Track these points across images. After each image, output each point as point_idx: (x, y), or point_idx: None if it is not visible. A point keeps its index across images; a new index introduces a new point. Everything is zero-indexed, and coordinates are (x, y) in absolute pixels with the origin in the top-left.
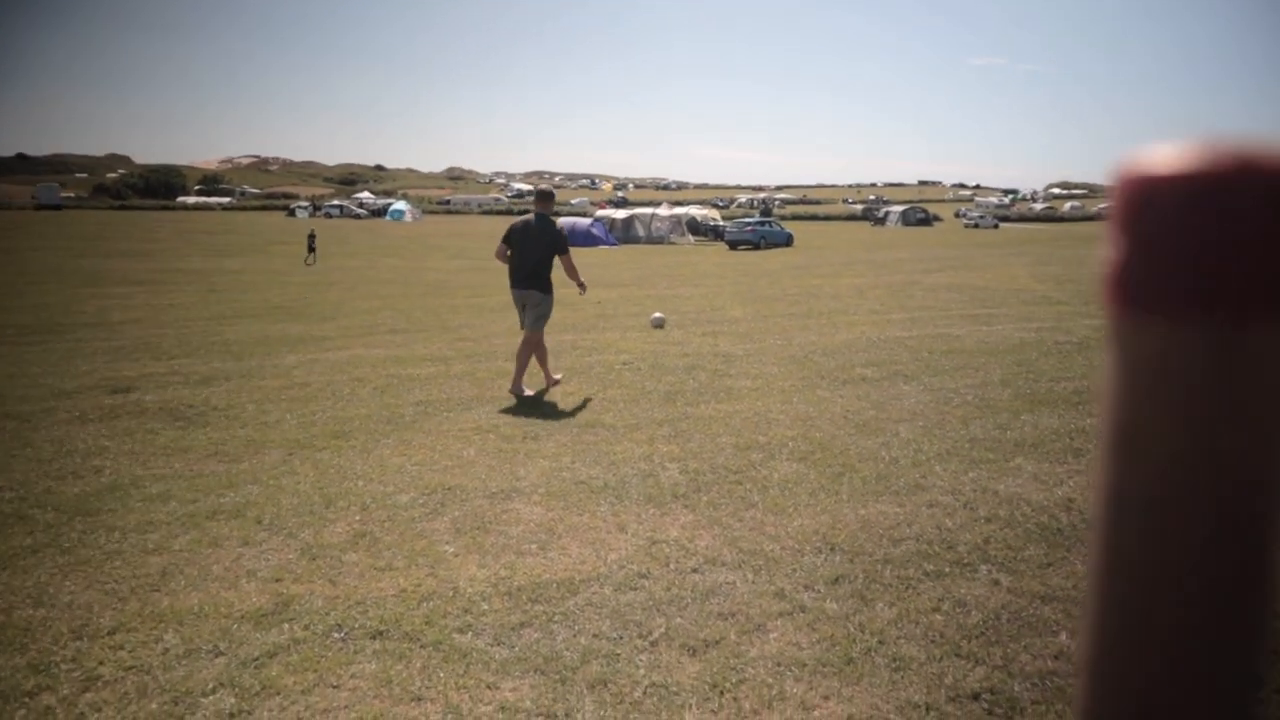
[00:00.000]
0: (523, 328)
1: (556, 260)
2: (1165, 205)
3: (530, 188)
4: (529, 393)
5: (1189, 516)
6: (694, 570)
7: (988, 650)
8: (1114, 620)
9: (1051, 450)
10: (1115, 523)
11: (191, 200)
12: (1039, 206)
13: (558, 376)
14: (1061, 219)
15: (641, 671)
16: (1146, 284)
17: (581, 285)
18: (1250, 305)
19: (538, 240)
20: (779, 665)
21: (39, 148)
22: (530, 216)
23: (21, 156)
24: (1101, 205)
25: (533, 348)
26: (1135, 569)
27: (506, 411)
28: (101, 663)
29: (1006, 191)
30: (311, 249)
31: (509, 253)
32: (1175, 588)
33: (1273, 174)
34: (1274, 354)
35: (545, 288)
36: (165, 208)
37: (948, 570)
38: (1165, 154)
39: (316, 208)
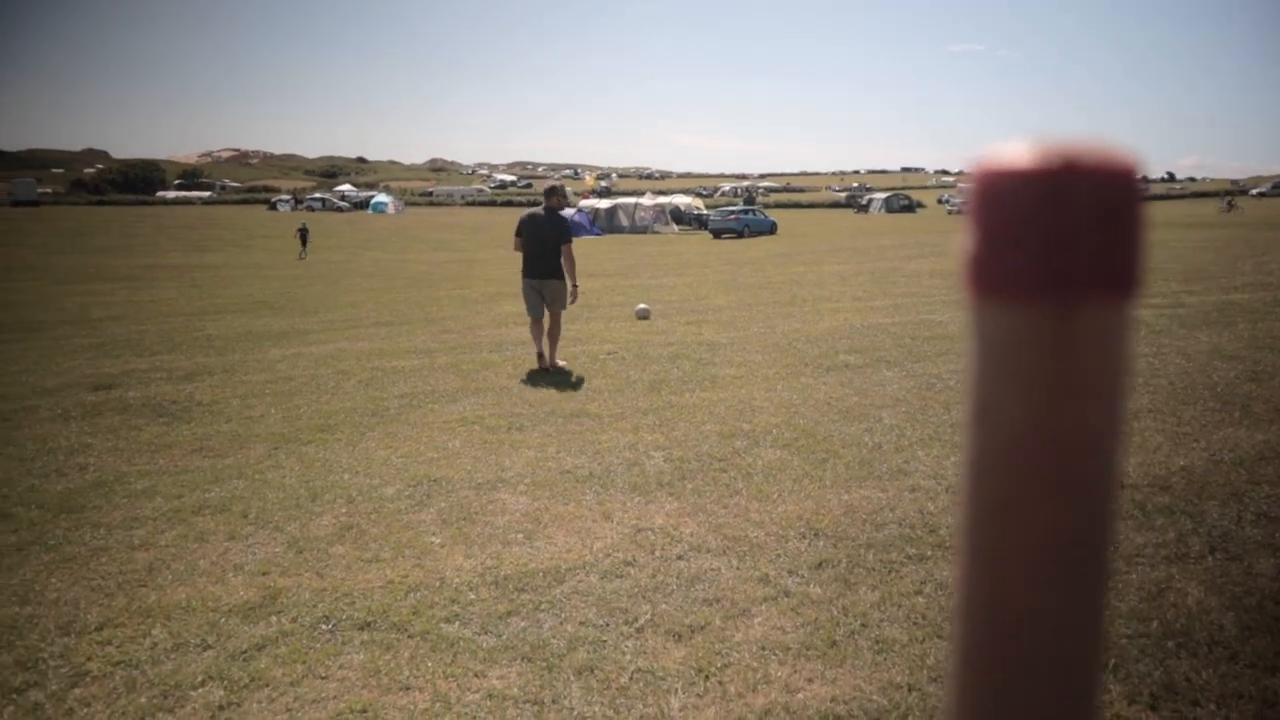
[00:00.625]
0: (535, 315)
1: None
2: (1008, 198)
3: (513, 178)
4: (562, 363)
5: (1036, 477)
6: (679, 557)
7: None
8: (975, 568)
9: None
10: (974, 485)
11: (171, 195)
12: None
13: (562, 363)
14: None
15: (628, 658)
16: (994, 270)
17: (575, 287)
18: (1082, 288)
19: (548, 232)
20: (763, 649)
21: (14, 143)
22: (540, 209)
23: None
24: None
25: (559, 328)
26: (992, 528)
27: (491, 403)
28: (90, 658)
29: None
30: (304, 243)
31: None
32: (1026, 544)
33: (1096, 171)
34: (1105, 330)
35: (561, 276)
36: (144, 203)
37: (930, 553)
38: (1008, 151)
39: (298, 201)
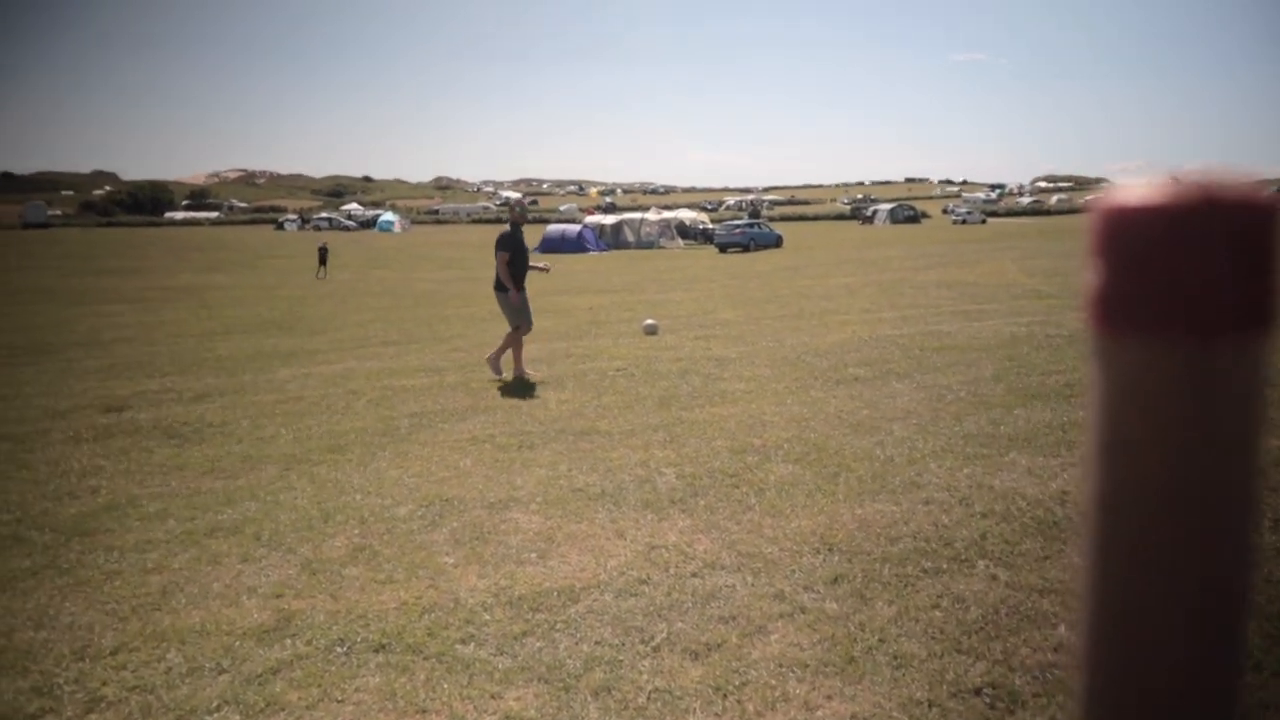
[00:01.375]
0: (529, 325)
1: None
2: (1139, 234)
3: (518, 195)
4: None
5: (1168, 517)
6: (693, 574)
7: (988, 645)
8: (1105, 617)
9: (1045, 444)
10: (1102, 526)
11: (179, 216)
12: (1026, 200)
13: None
14: (1049, 212)
15: (644, 677)
16: (1123, 306)
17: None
18: (1214, 325)
19: (525, 246)
20: (781, 666)
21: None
22: (509, 228)
23: (7, 175)
24: (1089, 197)
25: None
26: (1122, 569)
27: (501, 421)
28: (105, 683)
29: (993, 186)
30: (323, 262)
31: (508, 260)
32: (1159, 585)
33: (1231, 206)
34: (1237, 368)
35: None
36: (153, 224)
37: (946, 567)
38: (1139, 187)
39: (305, 220)
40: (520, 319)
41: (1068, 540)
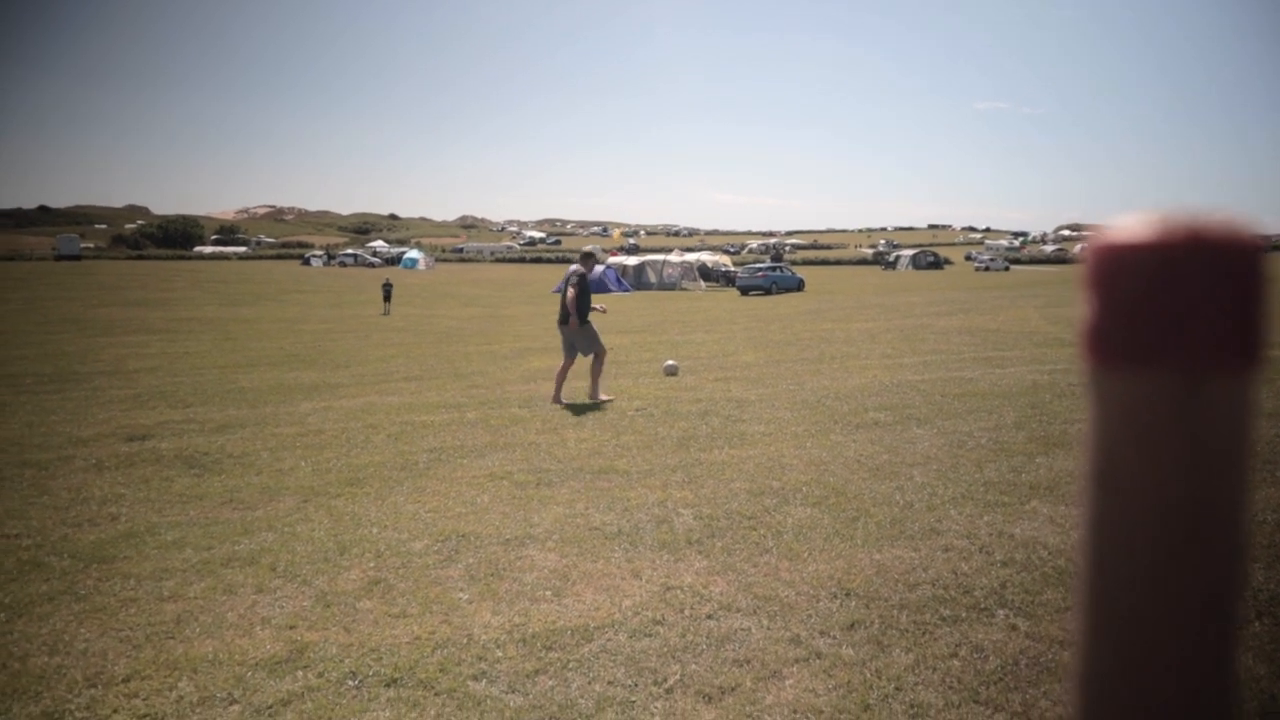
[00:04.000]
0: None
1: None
2: (1131, 271)
3: (543, 235)
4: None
5: (1159, 542)
6: (709, 617)
7: (1006, 696)
8: (1100, 637)
9: (1067, 493)
10: (1095, 549)
11: (208, 250)
12: (1049, 248)
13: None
14: (1072, 260)
15: (657, 719)
16: (1116, 340)
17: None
18: (1205, 358)
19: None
20: (796, 712)
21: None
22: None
23: (43, 208)
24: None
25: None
26: (1115, 592)
27: (520, 458)
28: (116, 711)
29: (1016, 234)
30: (387, 299)
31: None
32: (1151, 608)
33: (1220, 244)
34: (1228, 400)
35: None
36: (182, 257)
37: (964, 615)
38: (1131, 225)
39: (331, 256)
40: (597, 346)
41: None
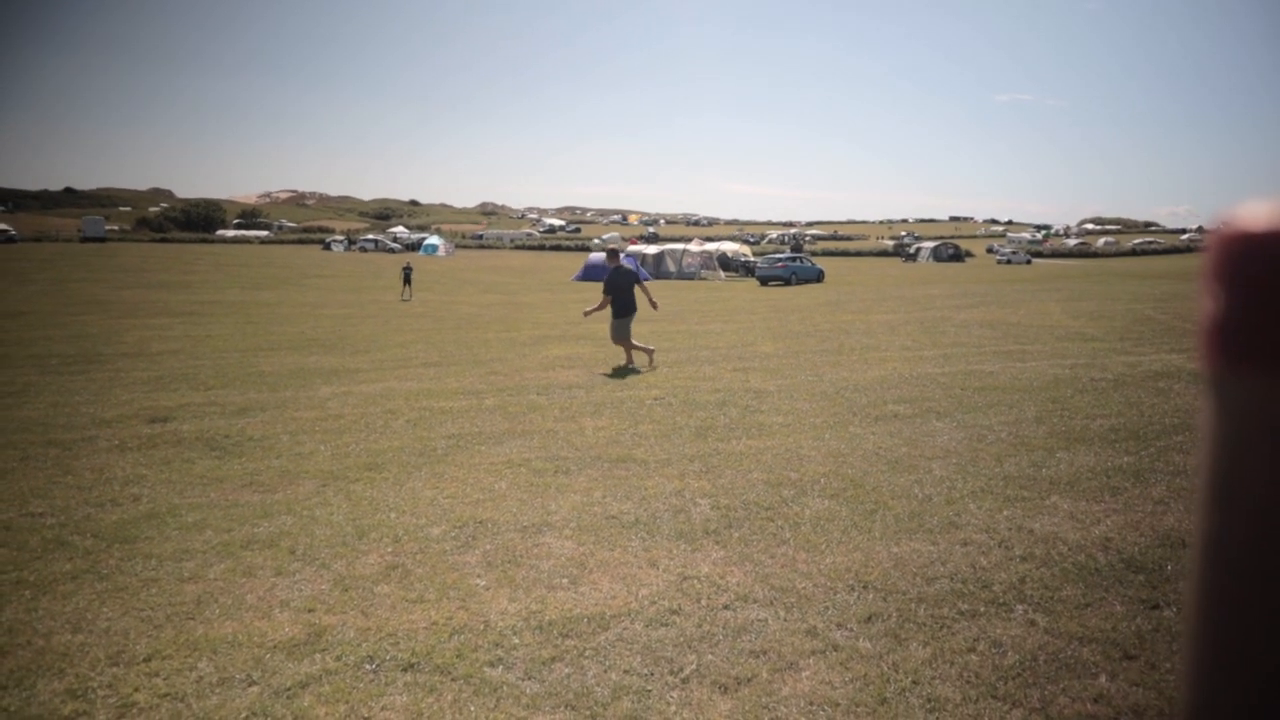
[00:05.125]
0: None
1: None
2: (1263, 261)
3: (562, 223)
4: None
5: None
6: (725, 607)
7: (1025, 692)
8: (1220, 672)
9: (1088, 488)
10: (1215, 574)
11: (230, 233)
12: (1072, 242)
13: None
14: (1095, 254)
15: (673, 709)
16: (1245, 337)
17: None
18: None
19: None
20: (811, 704)
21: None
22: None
23: (69, 190)
24: (1137, 241)
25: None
26: (1231, 616)
27: (538, 446)
28: (137, 689)
29: (1039, 227)
30: (407, 282)
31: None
32: (1271, 633)
33: None
34: None
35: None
36: (205, 240)
37: (983, 610)
38: (1262, 212)
39: (351, 241)
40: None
41: (1110, 587)
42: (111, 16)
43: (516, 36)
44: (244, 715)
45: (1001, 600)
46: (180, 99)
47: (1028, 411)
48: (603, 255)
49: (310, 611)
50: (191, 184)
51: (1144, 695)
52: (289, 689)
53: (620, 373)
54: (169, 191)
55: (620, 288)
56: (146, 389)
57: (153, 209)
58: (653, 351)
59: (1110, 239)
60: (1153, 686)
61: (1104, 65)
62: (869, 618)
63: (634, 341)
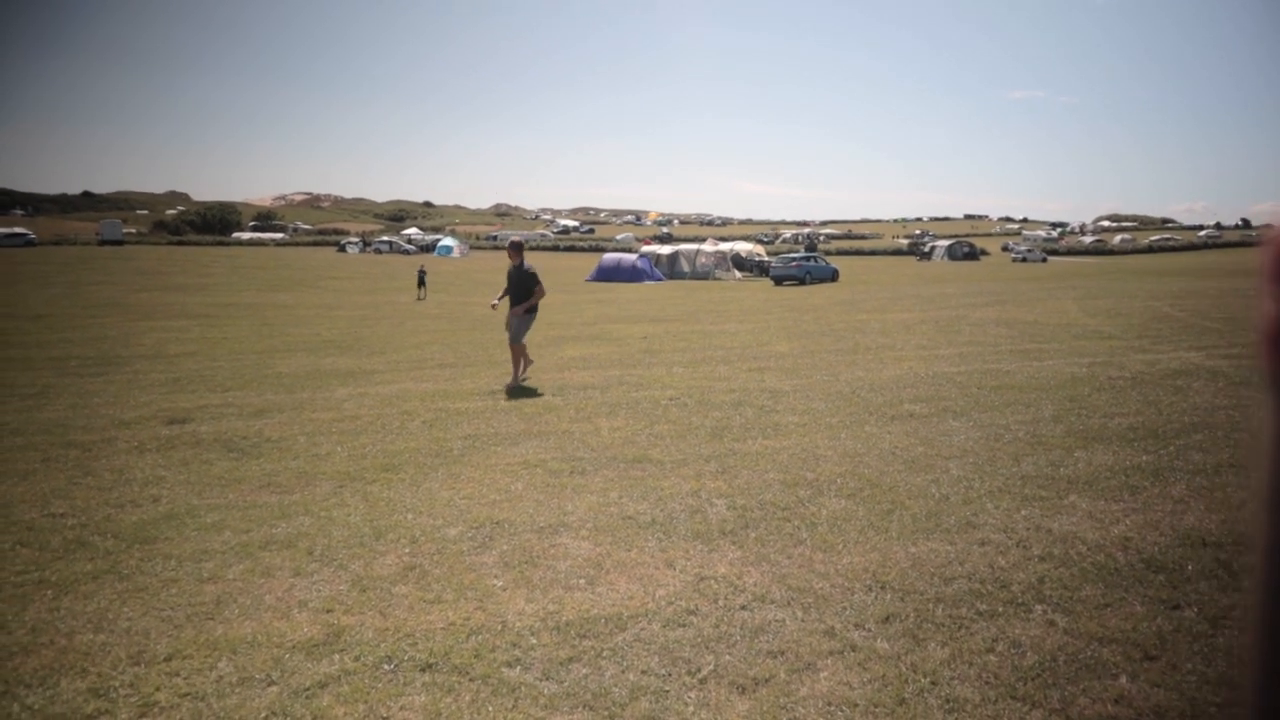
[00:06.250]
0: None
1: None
2: None
3: (576, 224)
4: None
5: None
6: (742, 607)
7: (1044, 693)
8: (1276, 668)
9: (1107, 488)
10: (1275, 572)
11: (246, 236)
12: (1088, 239)
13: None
14: (1112, 252)
15: (690, 709)
16: None
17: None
18: None
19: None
20: (830, 705)
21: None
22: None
23: (87, 194)
24: (1154, 238)
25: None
26: None
27: (554, 446)
28: (158, 689)
29: (1055, 224)
30: (421, 284)
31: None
32: None
33: None
34: None
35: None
36: (221, 243)
37: (1001, 610)
38: None
39: (366, 243)
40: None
41: (1130, 588)
42: (127, 23)
43: (530, 38)
44: (263, 715)
45: (1020, 600)
46: (196, 103)
47: (1045, 410)
48: (617, 256)
49: (329, 612)
50: (207, 187)
51: (1166, 696)
52: (308, 689)
53: (637, 375)
54: (185, 195)
55: (517, 283)
56: (164, 391)
57: (169, 212)
58: (529, 364)
59: (1127, 236)
60: (1174, 688)
61: (1116, 61)
62: (887, 618)
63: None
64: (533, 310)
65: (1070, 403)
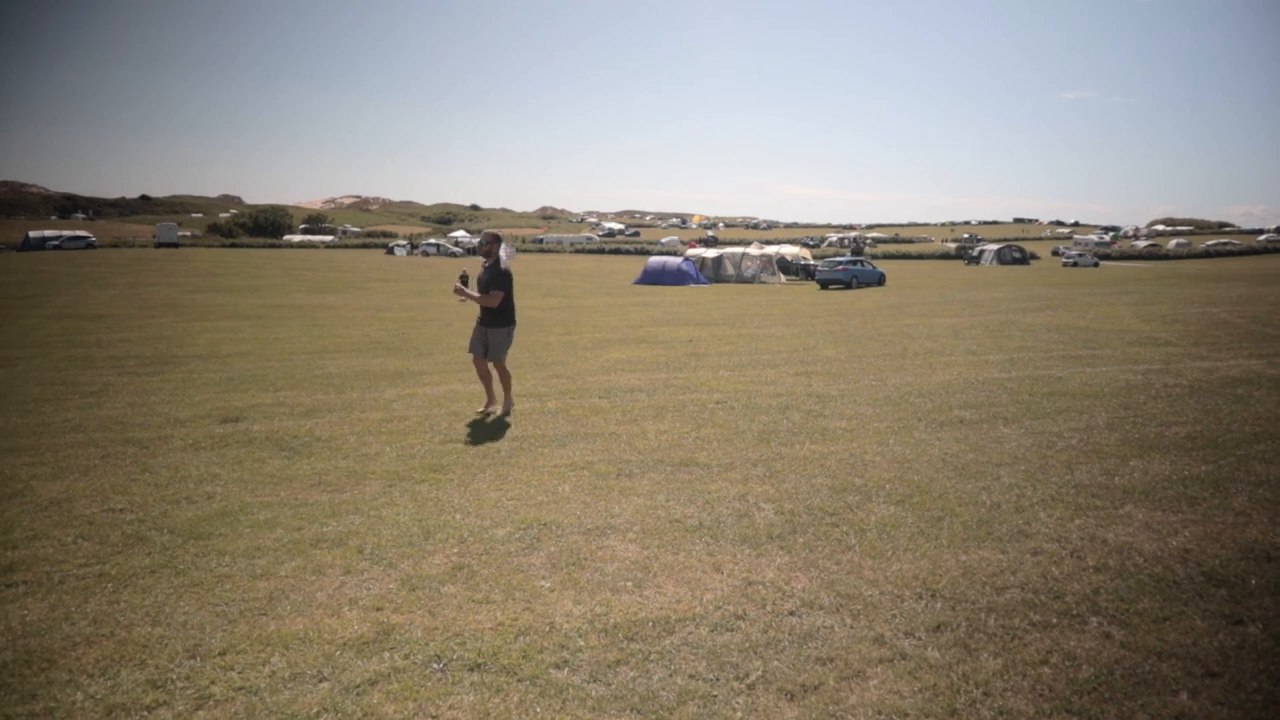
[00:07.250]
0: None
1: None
2: None
3: (621, 226)
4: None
5: None
6: (791, 613)
7: (1101, 707)
8: None
9: (1164, 498)
10: None
11: (296, 238)
12: (1142, 244)
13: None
14: (1166, 256)
15: (739, 715)
16: None
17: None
18: None
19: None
20: (879, 714)
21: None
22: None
23: (144, 198)
24: (1210, 242)
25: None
26: None
27: (600, 449)
28: (213, 682)
29: (1107, 228)
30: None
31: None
32: None
33: None
34: None
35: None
36: (272, 245)
37: (1055, 621)
38: None
39: (414, 246)
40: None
41: (1190, 601)
42: (186, 36)
43: (578, 44)
44: (315, 710)
45: (1075, 612)
46: (249, 109)
47: (1099, 418)
48: (662, 260)
49: (378, 610)
50: (259, 190)
51: (1229, 715)
52: (359, 686)
53: (683, 378)
54: (238, 198)
55: (485, 287)
56: (218, 390)
57: (223, 215)
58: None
59: (1182, 240)
60: (1239, 706)
61: (1171, 60)
62: (937, 627)
63: (507, 370)
64: (508, 322)
65: (1125, 410)
